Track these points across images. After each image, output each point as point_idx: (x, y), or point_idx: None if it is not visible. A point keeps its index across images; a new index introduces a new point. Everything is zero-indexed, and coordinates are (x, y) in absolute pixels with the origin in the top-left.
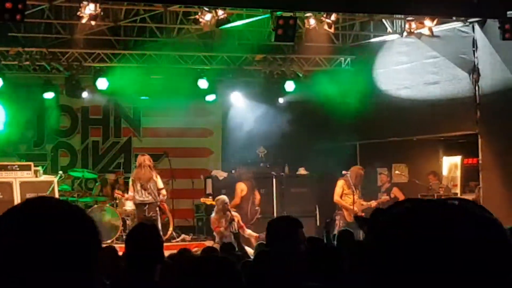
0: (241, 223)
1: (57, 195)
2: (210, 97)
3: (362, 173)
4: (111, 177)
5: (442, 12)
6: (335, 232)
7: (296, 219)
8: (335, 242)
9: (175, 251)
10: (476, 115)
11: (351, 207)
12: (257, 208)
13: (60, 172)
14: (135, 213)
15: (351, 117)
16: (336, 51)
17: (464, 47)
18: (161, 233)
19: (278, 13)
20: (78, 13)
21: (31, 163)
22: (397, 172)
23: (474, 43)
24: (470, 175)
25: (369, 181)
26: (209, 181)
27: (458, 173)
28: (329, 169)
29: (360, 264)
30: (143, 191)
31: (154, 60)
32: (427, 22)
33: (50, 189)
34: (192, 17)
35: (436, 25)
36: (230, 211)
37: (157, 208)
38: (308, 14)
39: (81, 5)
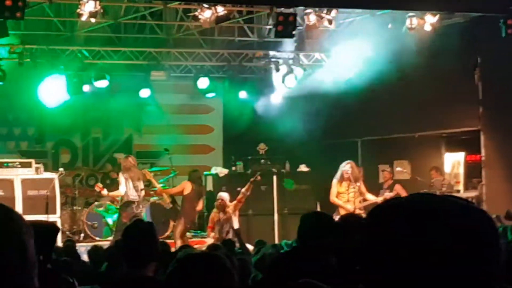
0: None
1: (58, 193)
2: (211, 94)
3: (352, 165)
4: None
5: (444, 7)
6: None
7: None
8: None
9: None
10: (479, 111)
11: (348, 205)
12: (196, 214)
13: (61, 169)
14: (122, 210)
15: (353, 113)
16: None
17: (466, 43)
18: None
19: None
20: (78, 10)
21: (32, 160)
22: (399, 169)
23: (477, 38)
24: (472, 171)
25: (371, 178)
26: (209, 178)
27: (461, 170)
28: (331, 166)
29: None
30: (133, 190)
31: (154, 57)
32: (428, 18)
33: (51, 186)
34: (192, 13)
35: (437, 20)
36: (227, 207)
37: (141, 206)
38: (308, 11)
39: (81, 2)
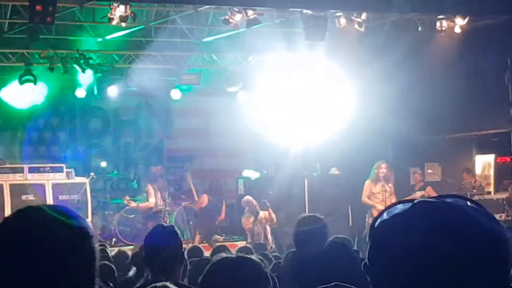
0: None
1: (89, 197)
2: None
3: (385, 166)
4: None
5: (476, 11)
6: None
7: None
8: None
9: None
10: (509, 113)
11: (380, 206)
12: (215, 226)
13: (92, 173)
14: (149, 219)
15: (383, 117)
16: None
17: (496, 45)
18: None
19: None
20: (109, 14)
21: (64, 165)
22: (430, 171)
23: (507, 40)
24: (503, 173)
25: (402, 180)
26: (240, 182)
27: (491, 172)
28: (362, 169)
29: None
30: (161, 200)
31: (183, 61)
32: (458, 20)
33: (82, 190)
34: (223, 17)
35: (467, 22)
36: (257, 208)
37: (167, 214)
38: (338, 14)
39: (112, 7)
